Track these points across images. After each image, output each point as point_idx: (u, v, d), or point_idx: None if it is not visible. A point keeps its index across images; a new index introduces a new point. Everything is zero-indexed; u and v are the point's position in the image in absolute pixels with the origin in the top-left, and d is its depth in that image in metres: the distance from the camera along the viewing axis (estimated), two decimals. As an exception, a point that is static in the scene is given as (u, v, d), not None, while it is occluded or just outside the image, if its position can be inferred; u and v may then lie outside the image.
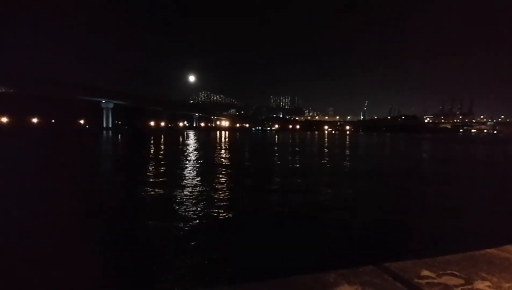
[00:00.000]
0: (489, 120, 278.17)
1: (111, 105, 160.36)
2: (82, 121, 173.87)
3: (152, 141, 49.52)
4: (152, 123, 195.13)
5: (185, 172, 16.64)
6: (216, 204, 9.69)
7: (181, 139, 57.14)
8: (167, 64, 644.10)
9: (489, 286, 1.74)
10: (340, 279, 1.76)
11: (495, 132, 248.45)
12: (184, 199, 10.27)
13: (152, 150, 32.85)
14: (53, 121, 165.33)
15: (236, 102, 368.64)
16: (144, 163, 20.85)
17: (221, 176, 15.72)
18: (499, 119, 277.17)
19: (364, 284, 1.71)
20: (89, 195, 11.32)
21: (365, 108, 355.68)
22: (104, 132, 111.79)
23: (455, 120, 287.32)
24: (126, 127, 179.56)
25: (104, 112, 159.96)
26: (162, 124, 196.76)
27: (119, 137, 68.96)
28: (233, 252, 6.22)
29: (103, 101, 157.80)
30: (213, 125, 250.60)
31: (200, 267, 5.44)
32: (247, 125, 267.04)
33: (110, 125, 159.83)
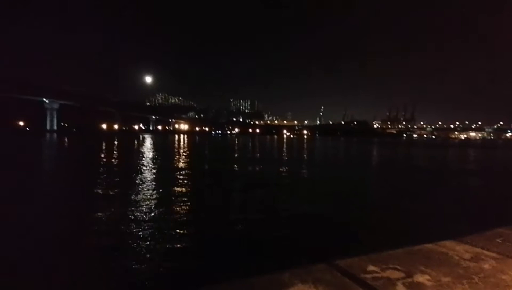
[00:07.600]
0: (428, 126, 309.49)
1: (56, 106, 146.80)
2: (21, 123, 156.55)
3: (98, 147, 46.35)
4: (104, 126, 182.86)
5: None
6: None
7: (136, 144, 54.38)
8: (122, 63, 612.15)
9: (428, 280, 1.88)
10: (294, 278, 1.84)
11: (433, 136, 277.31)
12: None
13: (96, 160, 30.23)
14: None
15: (195, 105, 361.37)
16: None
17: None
18: (437, 125, 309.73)
19: (316, 281, 1.81)
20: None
21: (321, 113, 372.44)
22: (48, 134, 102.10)
23: (399, 126, 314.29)
24: (74, 130, 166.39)
25: (48, 113, 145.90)
26: (116, 126, 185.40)
27: (66, 140, 63.41)
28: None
29: (47, 101, 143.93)
30: (171, 128, 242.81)
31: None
32: (207, 129, 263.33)
33: (55, 127, 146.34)
